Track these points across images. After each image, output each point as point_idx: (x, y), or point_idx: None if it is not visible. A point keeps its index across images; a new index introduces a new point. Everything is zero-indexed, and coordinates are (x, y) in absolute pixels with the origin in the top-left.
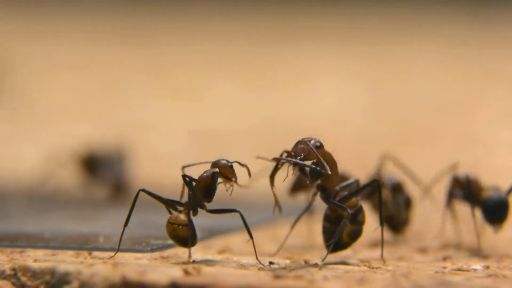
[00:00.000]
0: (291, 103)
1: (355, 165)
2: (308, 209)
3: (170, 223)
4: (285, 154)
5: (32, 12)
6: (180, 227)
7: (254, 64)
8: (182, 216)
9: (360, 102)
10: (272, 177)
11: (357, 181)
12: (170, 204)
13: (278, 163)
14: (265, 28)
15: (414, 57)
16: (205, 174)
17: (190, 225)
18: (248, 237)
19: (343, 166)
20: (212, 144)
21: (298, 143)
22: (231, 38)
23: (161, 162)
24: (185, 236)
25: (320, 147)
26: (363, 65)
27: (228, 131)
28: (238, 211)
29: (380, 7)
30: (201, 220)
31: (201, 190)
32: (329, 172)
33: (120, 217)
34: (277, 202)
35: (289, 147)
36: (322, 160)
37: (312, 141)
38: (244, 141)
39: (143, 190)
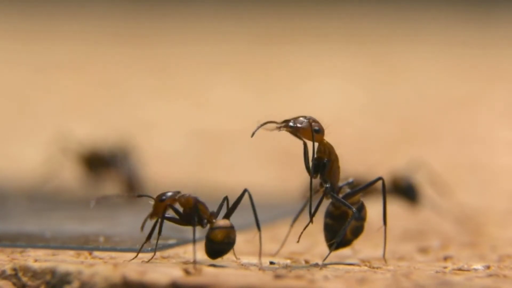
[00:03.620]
0: (291, 103)
1: (355, 165)
2: (307, 206)
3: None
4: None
5: (32, 11)
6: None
7: (254, 64)
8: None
9: (361, 102)
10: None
11: (352, 182)
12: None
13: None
14: (265, 29)
15: (414, 57)
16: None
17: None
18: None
19: (343, 165)
20: (212, 144)
21: (302, 116)
22: (231, 38)
23: (161, 161)
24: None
25: (318, 131)
26: (364, 65)
27: (228, 131)
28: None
29: (380, 8)
30: None
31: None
32: (338, 165)
33: (121, 217)
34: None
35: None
36: (313, 141)
37: (315, 123)
38: (244, 141)
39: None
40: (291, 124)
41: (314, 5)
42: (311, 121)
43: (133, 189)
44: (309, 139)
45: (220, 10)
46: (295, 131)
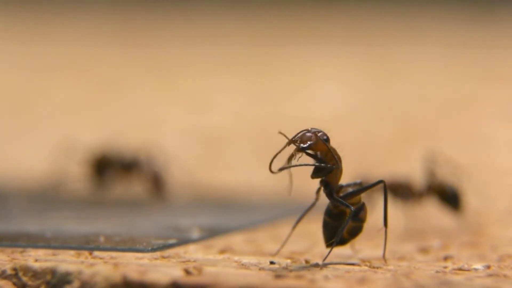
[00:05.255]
0: (291, 103)
1: (355, 165)
2: (311, 209)
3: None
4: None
5: (33, 12)
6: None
7: (255, 65)
8: None
9: (361, 103)
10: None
11: (360, 183)
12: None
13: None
14: (266, 30)
15: (415, 57)
16: None
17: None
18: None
19: (346, 165)
20: (212, 144)
21: (306, 131)
22: (232, 39)
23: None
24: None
25: (327, 140)
26: (364, 65)
27: (228, 131)
28: None
29: (381, 8)
30: (202, 220)
31: None
32: (341, 167)
33: (121, 217)
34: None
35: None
36: (332, 153)
37: (320, 133)
38: (245, 141)
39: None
40: (302, 146)
41: (315, 6)
42: (316, 133)
43: (159, 189)
44: (321, 150)
45: (221, 11)
46: (309, 149)
